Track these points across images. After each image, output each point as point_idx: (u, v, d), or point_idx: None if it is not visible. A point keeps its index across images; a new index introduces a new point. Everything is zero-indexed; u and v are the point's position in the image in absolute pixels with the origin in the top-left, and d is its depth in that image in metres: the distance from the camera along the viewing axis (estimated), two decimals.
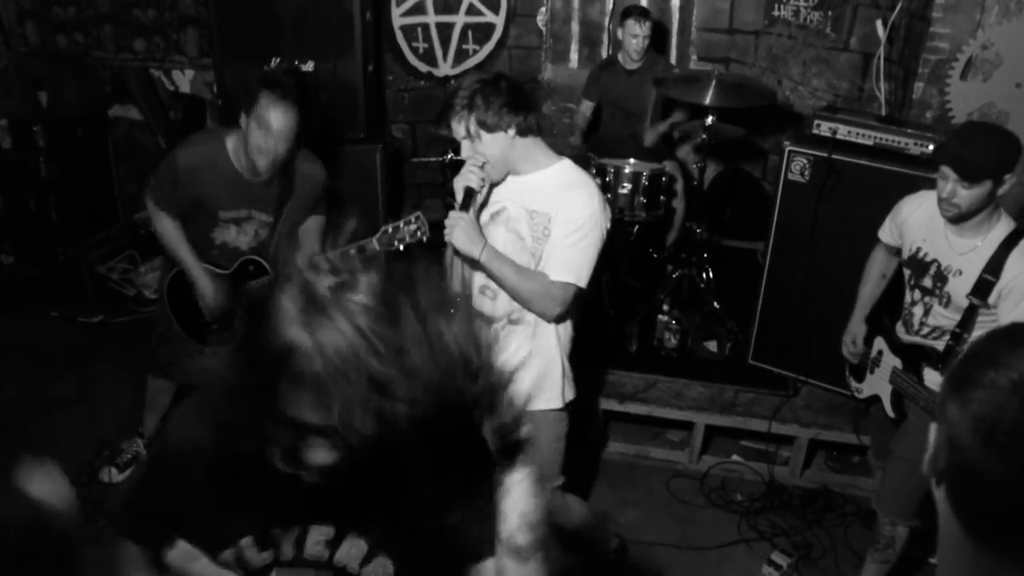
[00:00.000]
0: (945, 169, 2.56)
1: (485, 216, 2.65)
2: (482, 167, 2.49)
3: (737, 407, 3.92)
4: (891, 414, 3.02)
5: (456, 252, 2.55)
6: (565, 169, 2.59)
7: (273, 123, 3.02)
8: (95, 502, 3.48)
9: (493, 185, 2.60)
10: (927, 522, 3.04)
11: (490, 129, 2.46)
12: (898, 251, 3.01)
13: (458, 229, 2.47)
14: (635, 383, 3.94)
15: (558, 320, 2.62)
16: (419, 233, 3.12)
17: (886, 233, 3.01)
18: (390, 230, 3.13)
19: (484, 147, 2.49)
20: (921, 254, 2.82)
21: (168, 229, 3.28)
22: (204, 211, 3.26)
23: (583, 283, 2.53)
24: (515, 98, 2.48)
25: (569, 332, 2.70)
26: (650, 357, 4.08)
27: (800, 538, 3.57)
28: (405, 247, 3.15)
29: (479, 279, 2.63)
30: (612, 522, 3.39)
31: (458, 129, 2.49)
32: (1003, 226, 2.65)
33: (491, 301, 2.64)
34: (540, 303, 2.54)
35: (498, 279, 2.53)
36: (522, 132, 2.50)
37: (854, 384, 3.28)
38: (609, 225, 2.57)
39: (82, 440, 3.83)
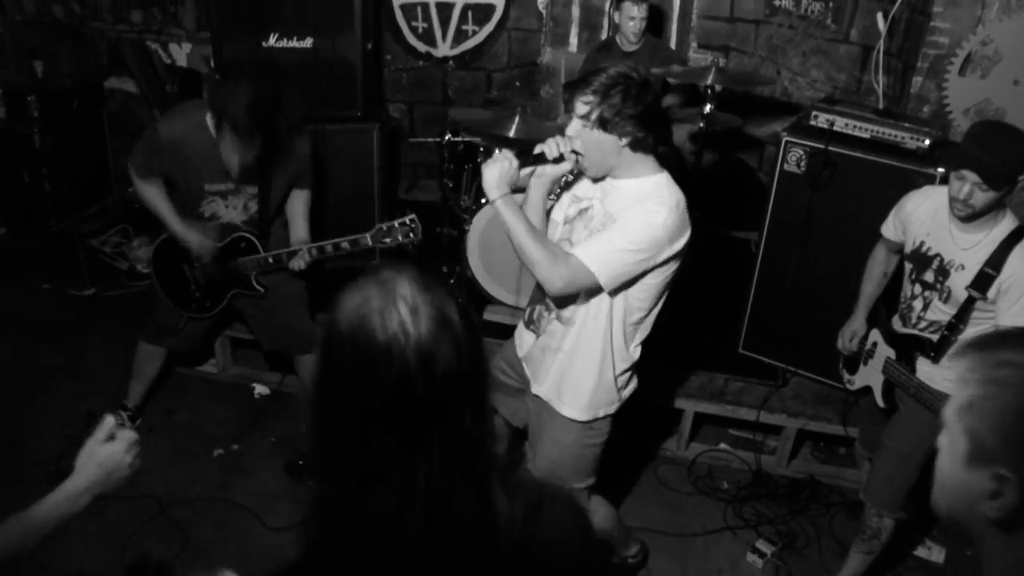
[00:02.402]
0: (966, 172, 2.53)
1: (573, 211, 2.60)
2: (575, 156, 2.39)
3: (726, 396, 3.94)
4: (881, 404, 3.05)
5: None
6: (654, 184, 2.44)
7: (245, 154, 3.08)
8: None
9: (579, 176, 2.55)
10: (911, 514, 3.07)
11: (605, 128, 2.34)
12: (899, 248, 3.01)
13: (496, 166, 2.35)
14: None
15: (561, 303, 2.54)
16: (411, 235, 3.22)
17: (889, 228, 3.01)
18: (384, 228, 3.23)
19: (588, 141, 2.37)
20: (924, 248, 2.83)
21: (152, 193, 3.33)
22: (189, 183, 3.29)
23: (603, 280, 2.38)
24: (648, 114, 2.36)
25: (625, 358, 2.63)
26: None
27: (785, 527, 3.59)
28: (398, 246, 3.26)
29: None
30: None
31: (580, 108, 2.36)
32: (1007, 222, 2.66)
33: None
34: (544, 269, 2.37)
35: (508, 229, 2.38)
36: (633, 146, 2.39)
37: (847, 376, 3.30)
38: (672, 253, 2.42)
39: (71, 413, 3.83)
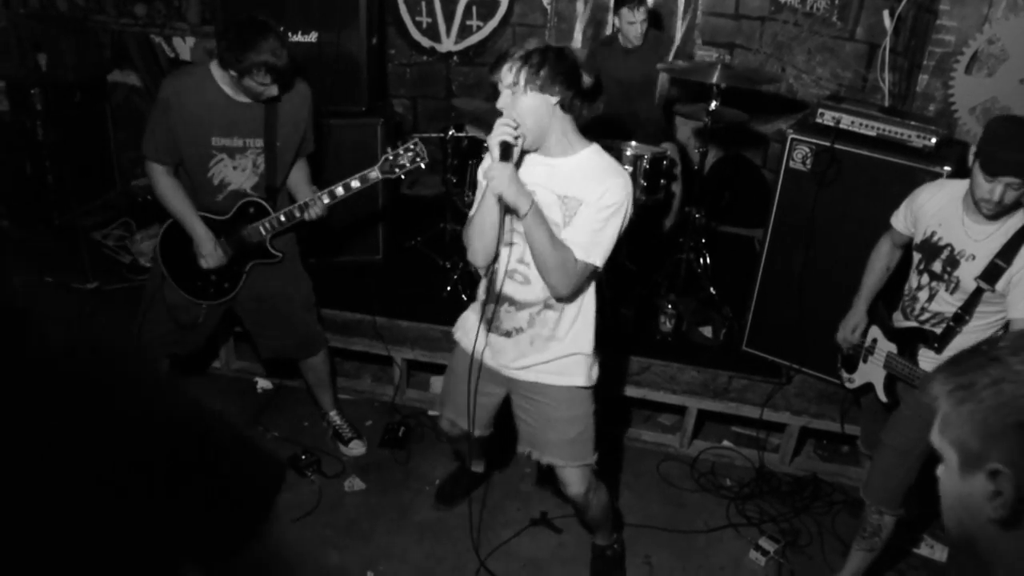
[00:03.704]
0: (1004, 177, 2.52)
1: None
2: (516, 127, 2.44)
3: (730, 393, 3.93)
4: (883, 399, 3.04)
5: (506, 210, 2.52)
6: (596, 153, 2.59)
7: (267, 94, 3.13)
8: None
9: (524, 153, 2.56)
10: (913, 512, 3.07)
11: (537, 88, 2.44)
12: (905, 241, 3.01)
13: (506, 180, 2.41)
14: (629, 366, 3.95)
15: (571, 298, 2.64)
16: (418, 159, 3.26)
17: (899, 220, 3.00)
18: (390, 157, 3.25)
19: (523, 104, 2.45)
20: (935, 238, 2.82)
21: (167, 185, 3.25)
22: (196, 140, 3.19)
23: (601, 264, 2.56)
24: (571, 74, 2.48)
25: (594, 316, 2.75)
26: (645, 341, 4.09)
27: (787, 525, 3.60)
28: (405, 173, 3.28)
29: (510, 262, 2.64)
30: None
31: (507, 76, 2.45)
32: (1021, 215, 2.67)
33: (521, 286, 2.65)
34: (557, 275, 2.51)
35: (533, 239, 2.48)
36: (563, 106, 2.49)
37: (845, 375, 3.29)
38: (632, 211, 2.58)
39: None
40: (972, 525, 1.12)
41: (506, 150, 2.43)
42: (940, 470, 1.17)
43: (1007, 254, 2.63)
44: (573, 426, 2.80)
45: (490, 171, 2.43)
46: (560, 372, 2.73)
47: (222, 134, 3.20)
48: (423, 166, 3.29)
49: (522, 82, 2.43)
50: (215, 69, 3.17)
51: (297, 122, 3.34)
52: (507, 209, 2.49)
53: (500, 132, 2.43)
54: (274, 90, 3.12)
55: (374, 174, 3.26)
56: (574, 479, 2.88)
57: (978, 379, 1.07)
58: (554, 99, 2.46)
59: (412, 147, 3.24)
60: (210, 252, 3.28)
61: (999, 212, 2.63)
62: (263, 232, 3.34)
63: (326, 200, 3.30)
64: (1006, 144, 2.53)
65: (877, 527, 3.05)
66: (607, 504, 3.11)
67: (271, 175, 3.33)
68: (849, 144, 3.51)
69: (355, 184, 3.27)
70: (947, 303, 2.80)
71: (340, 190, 3.28)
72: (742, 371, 3.95)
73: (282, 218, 3.32)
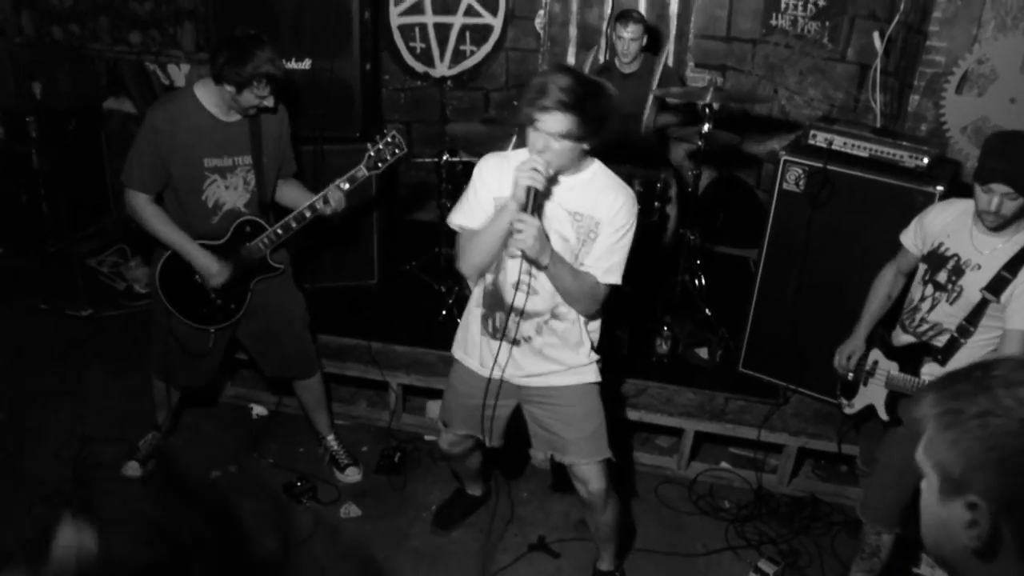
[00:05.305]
0: (994, 185, 2.57)
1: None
2: (543, 168, 2.42)
3: (727, 414, 3.92)
4: (884, 417, 3.04)
5: (524, 256, 2.54)
6: (601, 169, 2.66)
7: (265, 105, 3.17)
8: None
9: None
10: (911, 531, 3.05)
11: (579, 140, 2.43)
12: (911, 266, 3.03)
13: (531, 237, 2.41)
14: (625, 388, 3.94)
15: (595, 315, 2.78)
16: (397, 151, 3.35)
17: (909, 237, 3.02)
18: (373, 154, 3.33)
19: (559, 151, 2.44)
20: (943, 249, 2.85)
21: (153, 213, 3.24)
22: (189, 164, 3.19)
23: (620, 280, 2.69)
24: (609, 120, 2.47)
25: (599, 318, 2.87)
26: (641, 363, 4.08)
27: (787, 546, 3.57)
28: (389, 167, 3.39)
29: (512, 274, 2.65)
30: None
31: (550, 123, 2.39)
32: None
33: (528, 296, 2.67)
34: (585, 302, 2.67)
35: (555, 279, 2.58)
36: (590, 151, 2.56)
37: (845, 402, 3.28)
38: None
39: (67, 435, 3.81)
40: (949, 549, 1.12)
41: (535, 197, 2.43)
42: (923, 484, 1.17)
43: (1014, 266, 2.66)
44: (590, 421, 2.88)
45: (518, 225, 2.41)
46: (571, 371, 2.82)
47: (213, 155, 3.21)
48: (403, 155, 3.38)
49: (572, 135, 2.41)
50: (199, 91, 3.19)
51: (278, 137, 3.38)
52: (526, 256, 2.52)
53: (530, 176, 2.40)
54: (271, 101, 3.16)
55: (361, 172, 3.33)
56: (594, 475, 2.92)
57: (966, 407, 1.06)
58: (587, 146, 2.50)
59: (390, 139, 3.34)
60: (216, 272, 3.28)
61: (1001, 224, 2.66)
62: (262, 247, 3.37)
63: (318, 207, 3.32)
64: (995, 153, 2.62)
65: (876, 547, 3.04)
66: (619, 515, 3.14)
67: (262, 191, 3.36)
68: (842, 165, 3.52)
69: (344, 185, 3.33)
70: (946, 314, 2.81)
71: (332, 191, 3.33)
72: (739, 392, 3.94)
73: (279, 231, 3.36)
